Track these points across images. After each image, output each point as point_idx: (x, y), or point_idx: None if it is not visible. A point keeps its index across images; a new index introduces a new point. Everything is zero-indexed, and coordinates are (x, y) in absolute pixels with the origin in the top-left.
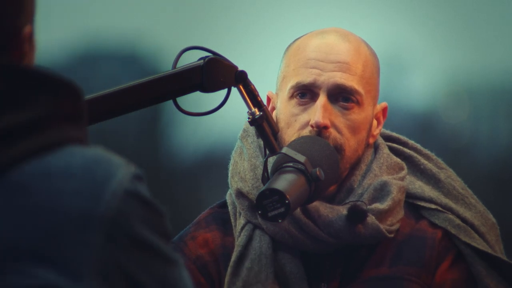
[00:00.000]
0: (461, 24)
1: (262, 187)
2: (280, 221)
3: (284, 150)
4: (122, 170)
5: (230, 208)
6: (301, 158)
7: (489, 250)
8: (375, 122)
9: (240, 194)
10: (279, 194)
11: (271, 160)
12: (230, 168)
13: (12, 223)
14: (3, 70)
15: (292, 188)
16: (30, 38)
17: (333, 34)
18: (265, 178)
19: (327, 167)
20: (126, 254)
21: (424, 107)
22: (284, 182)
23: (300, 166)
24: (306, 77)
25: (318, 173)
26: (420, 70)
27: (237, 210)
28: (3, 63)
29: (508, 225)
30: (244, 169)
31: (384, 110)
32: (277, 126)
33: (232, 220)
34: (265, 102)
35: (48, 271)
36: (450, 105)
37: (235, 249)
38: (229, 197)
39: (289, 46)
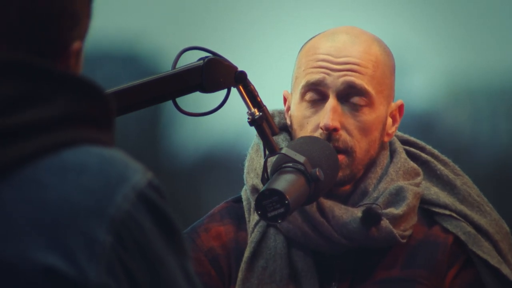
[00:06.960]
0: (461, 25)
1: (262, 187)
2: (279, 221)
3: (284, 150)
4: (138, 175)
5: (244, 203)
6: (301, 158)
7: (495, 260)
8: (390, 120)
9: (255, 190)
10: (279, 194)
11: (271, 160)
12: (246, 164)
13: (24, 214)
14: (29, 69)
15: (291, 188)
16: (77, 54)
17: (343, 35)
18: (265, 178)
19: (327, 168)
20: (132, 258)
21: (424, 107)
22: (283, 182)
23: (299, 166)
24: (315, 75)
25: (317, 173)
26: (420, 70)
27: (252, 206)
28: (30, 63)
29: (508, 225)
30: (260, 166)
31: (400, 107)
32: (277, 127)
33: (246, 215)
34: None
35: (55, 258)
36: (450, 105)
37: (248, 245)
38: (244, 192)
39: (302, 47)
